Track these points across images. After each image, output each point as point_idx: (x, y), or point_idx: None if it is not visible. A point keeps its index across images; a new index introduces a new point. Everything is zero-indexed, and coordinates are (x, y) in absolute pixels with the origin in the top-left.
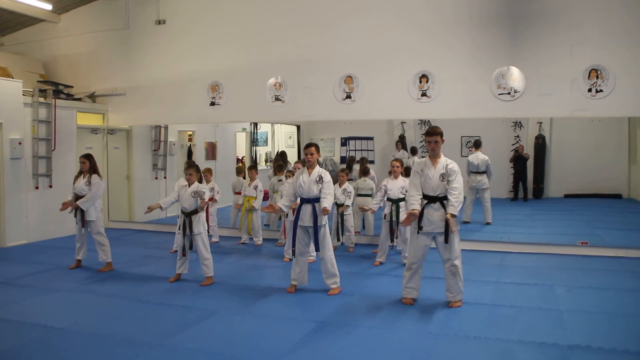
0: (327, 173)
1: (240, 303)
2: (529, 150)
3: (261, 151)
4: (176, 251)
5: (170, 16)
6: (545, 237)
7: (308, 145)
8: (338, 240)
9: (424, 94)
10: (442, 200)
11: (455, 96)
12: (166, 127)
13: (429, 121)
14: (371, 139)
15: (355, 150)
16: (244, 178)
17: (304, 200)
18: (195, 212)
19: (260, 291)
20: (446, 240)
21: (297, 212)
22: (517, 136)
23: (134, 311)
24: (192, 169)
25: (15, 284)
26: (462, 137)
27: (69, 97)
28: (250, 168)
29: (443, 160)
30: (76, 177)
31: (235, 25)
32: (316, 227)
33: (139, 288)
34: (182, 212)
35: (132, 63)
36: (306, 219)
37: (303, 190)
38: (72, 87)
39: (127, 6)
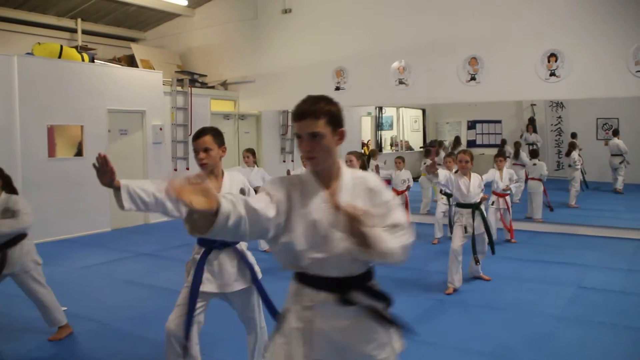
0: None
1: None
2: None
3: (386, 135)
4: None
5: (296, 5)
6: None
7: (200, 133)
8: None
9: (552, 74)
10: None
11: (587, 75)
12: None
13: (561, 103)
14: (499, 122)
15: (482, 133)
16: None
17: (213, 245)
18: (17, 240)
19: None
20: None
21: (200, 264)
22: None
23: None
24: None
25: (161, 256)
26: (597, 119)
27: (203, 85)
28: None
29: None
30: None
31: (359, 10)
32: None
33: None
34: None
35: (260, 51)
36: (225, 278)
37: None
38: (205, 76)
39: None
